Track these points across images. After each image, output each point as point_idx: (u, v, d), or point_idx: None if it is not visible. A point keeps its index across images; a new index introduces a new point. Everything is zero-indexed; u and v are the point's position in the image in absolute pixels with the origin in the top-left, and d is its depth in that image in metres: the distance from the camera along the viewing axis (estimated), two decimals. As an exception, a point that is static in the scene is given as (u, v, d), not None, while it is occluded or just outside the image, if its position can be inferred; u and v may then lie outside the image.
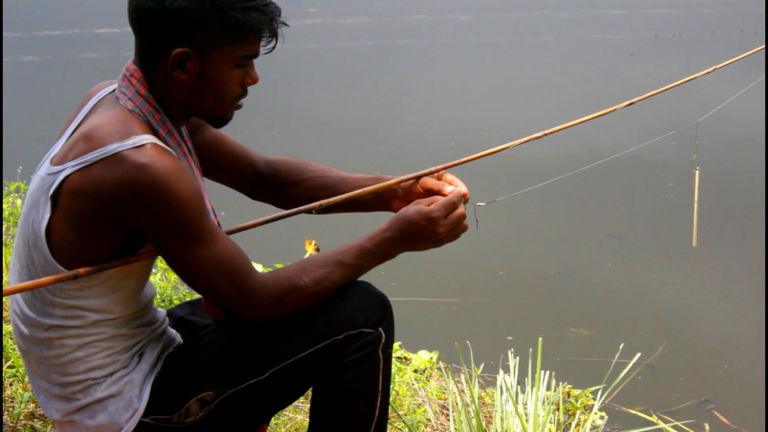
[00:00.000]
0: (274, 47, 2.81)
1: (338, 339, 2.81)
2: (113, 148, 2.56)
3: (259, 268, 4.96)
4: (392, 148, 9.18)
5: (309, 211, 3.03)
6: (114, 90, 2.75)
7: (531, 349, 4.13)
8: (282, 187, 3.21)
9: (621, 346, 4.78)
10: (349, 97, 10.92)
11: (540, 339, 4.15)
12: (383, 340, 2.86)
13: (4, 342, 4.65)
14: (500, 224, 7.24)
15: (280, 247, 6.19)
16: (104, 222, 2.62)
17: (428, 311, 5.73)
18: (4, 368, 4.49)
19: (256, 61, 2.82)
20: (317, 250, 4.96)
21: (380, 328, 2.86)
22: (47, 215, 2.64)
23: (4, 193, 6.36)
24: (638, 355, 4.73)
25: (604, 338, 5.41)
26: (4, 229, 6.07)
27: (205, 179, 3.05)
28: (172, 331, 3.02)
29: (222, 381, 2.82)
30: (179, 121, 2.83)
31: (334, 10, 15.13)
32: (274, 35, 2.79)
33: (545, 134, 3.65)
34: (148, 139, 2.60)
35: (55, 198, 2.63)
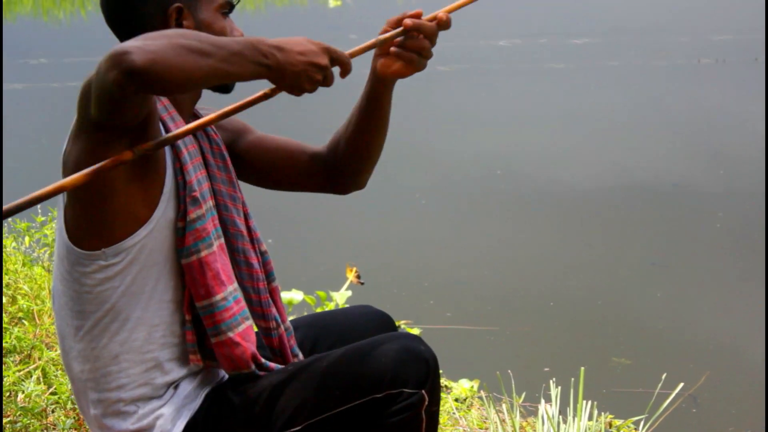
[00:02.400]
0: None
1: (378, 397, 2.75)
2: None
3: (299, 295, 4.99)
4: (437, 174, 9.19)
5: None
6: None
7: (573, 379, 4.13)
8: (336, 148, 3.12)
9: (663, 377, 4.77)
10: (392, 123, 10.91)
11: (582, 368, 4.15)
12: (426, 402, 2.78)
13: (47, 368, 4.67)
14: (541, 252, 7.25)
15: (323, 273, 6.21)
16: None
17: (469, 339, 5.73)
18: (46, 395, 4.52)
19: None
20: (358, 277, 4.98)
21: (423, 391, 2.78)
22: (63, 203, 2.70)
23: (48, 219, 6.44)
24: (681, 385, 4.72)
25: (647, 368, 5.39)
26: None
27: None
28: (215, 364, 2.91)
29: (257, 428, 2.80)
30: (185, 101, 2.86)
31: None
32: None
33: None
34: None
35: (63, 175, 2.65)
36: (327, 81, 2.63)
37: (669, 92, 11.85)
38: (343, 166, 3.12)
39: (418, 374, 2.76)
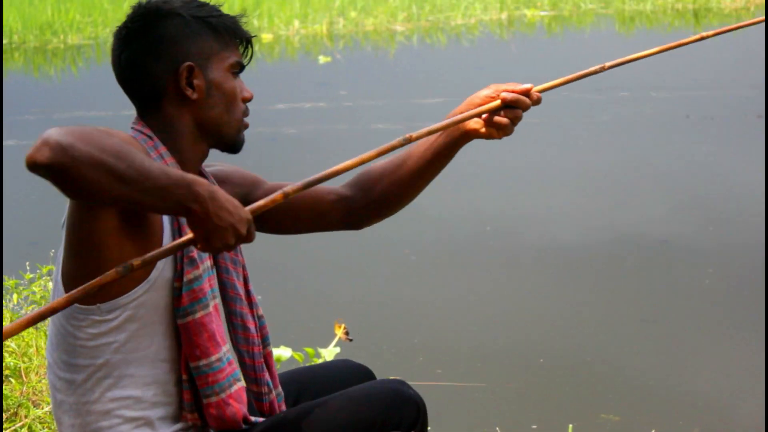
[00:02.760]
0: (251, 57, 2.96)
1: None
2: None
3: (288, 351, 5.01)
4: (426, 230, 9.21)
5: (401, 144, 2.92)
6: None
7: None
8: (370, 191, 3.13)
9: (653, 433, 4.80)
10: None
11: (570, 426, 4.17)
12: None
13: (34, 426, 4.67)
14: (531, 309, 7.26)
15: (311, 330, 6.22)
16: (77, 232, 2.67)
17: (458, 395, 5.74)
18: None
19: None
20: (347, 333, 5.01)
21: None
22: (60, 255, 2.73)
23: (36, 276, 6.43)
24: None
25: (636, 425, 5.39)
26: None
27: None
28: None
29: None
30: (191, 160, 2.88)
31: (362, 93, 15.19)
32: (248, 41, 2.92)
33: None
34: None
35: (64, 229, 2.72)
36: (231, 248, 2.57)
37: (657, 148, 11.89)
38: (377, 206, 3.20)
39: (409, 417, 2.86)
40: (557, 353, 6.48)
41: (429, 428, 3.07)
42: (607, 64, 3.50)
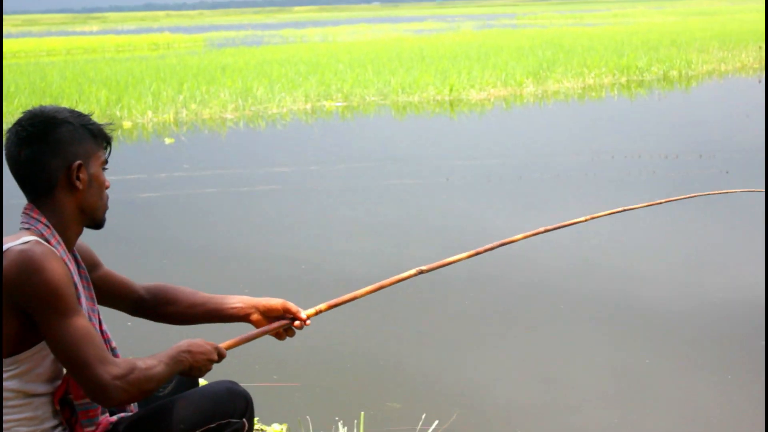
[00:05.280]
0: (110, 153, 3.06)
1: (211, 427, 2.92)
2: (7, 246, 2.69)
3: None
4: (258, 273, 9.15)
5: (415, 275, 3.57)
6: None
7: (355, 420, 4.17)
8: (162, 306, 3.32)
9: (423, 416, 4.84)
10: (218, 230, 10.89)
11: (362, 413, 4.20)
12: (246, 428, 3.00)
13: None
14: (328, 324, 7.25)
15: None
16: (5, 307, 2.68)
17: (279, 393, 5.72)
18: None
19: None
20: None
21: (244, 419, 3.00)
22: None
23: None
24: (436, 422, 4.80)
25: (412, 410, 5.41)
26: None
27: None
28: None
29: None
30: (71, 239, 2.93)
31: (201, 166, 15.08)
32: (110, 144, 3.03)
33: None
34: (33, 238, 2.73)
35: None
36: (215, 362, 3.03)
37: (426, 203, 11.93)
38: (160, 317, 3.37)
39: (240, 407, 3.00)
40: (351, 355, 6.47)
41: (256, 418, 3.11)
42: (424, 267, 3.71)
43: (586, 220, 3.99)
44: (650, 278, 8.11)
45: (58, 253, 2.77)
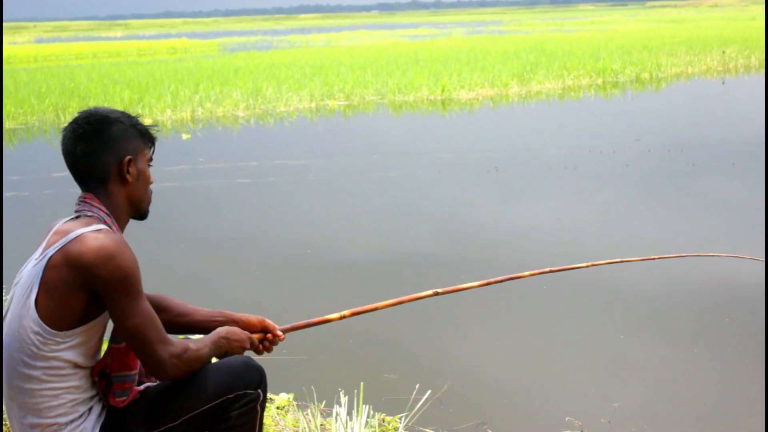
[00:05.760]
0: (153, 153, 3.12)
1: (230, 397, 2.96)
2: (79, 232, 2.76)
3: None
4: (266, 256, 9.13)
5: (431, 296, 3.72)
6: (71, 217, 2.92)
7: (355, 390, 4.17)
8: (156, 312, 3.32)
9: (417, 386, 4.84)
10: (231, 217, 10.87)
11: (361, 383, 4.19)
12: (260, 398, 3.04)
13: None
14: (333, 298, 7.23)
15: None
16: (74, 286, 2.73)
17: (287, 365, 5.71)
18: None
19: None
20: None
21: (259, 390, 3.04)
22: (35, 290, 2.74)
23: None
24: (429, 392, 4.80)
25: (407, 381, 5.41)
26: None
27: None
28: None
29: (149, 425, 2.89)
30: (123, 224, 3.01)
31: (215, 159, 15.04)
32: (154, 143, 3.12)
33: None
34: (103, 227, 2.82)
35: (41, 276, 2.74)
36: (248, 349, 3.22)
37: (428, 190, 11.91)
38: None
39: (256, 379, 3.04)
40: (351, 331, 6.47)
41: (268, 388, 3.12)
42: (440, 290, 3.76)
43: (587, 266, 4.05)
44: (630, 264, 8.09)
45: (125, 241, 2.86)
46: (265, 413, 4.35)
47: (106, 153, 2.91)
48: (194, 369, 2.92)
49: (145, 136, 3.04)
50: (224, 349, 3.08)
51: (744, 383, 5.62)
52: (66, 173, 2.99)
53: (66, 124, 3.00)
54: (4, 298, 5.89)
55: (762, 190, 11.04)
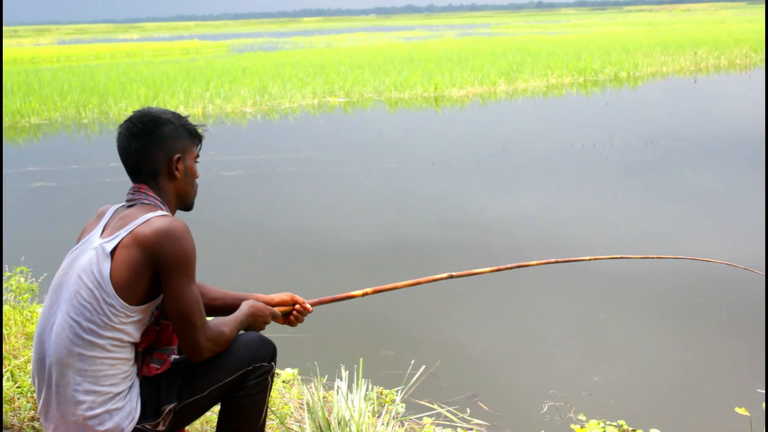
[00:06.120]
0: (200, 150, 3.15)
1: (248, 369, 3.05)
2: (147, 216, 2.85)
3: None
4: (273, 240, 9.13)
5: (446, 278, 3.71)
6: (122, 204, 3.00)
7: (355, 365, 4.17)
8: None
9: (412, 362, 4.85)
10: (240, 205, 10.87)
11: (361, 359, 4.20)
12: (273, 371, 3.12)
13: (14, 371, 4.55)
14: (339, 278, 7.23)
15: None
16: (143, 264, 2.80)
17: (293, 342, 5.71)
18: (13, 388, 4.40)
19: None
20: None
21: (272, 362, 3.11)
22: (108, 266, 2.79)
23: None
24: (423, 367, 4.81)
25: (403, 357, 5.42)
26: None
27: None
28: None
29: (181, 396, 2.97)
30: (173, 212, 3.06)
31: (224, 152, 15.04)
32: (201, 141, 3.15)
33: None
34: (167, 214, 2.92)
35: (113, 254, 2.80)
36: (268, 324, 3.30)
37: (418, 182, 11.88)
38: None
39: (269, 353, 3.11)
40: (353, 312, 6.47)
41: (277, 361, 3.14)
42: (455, 273, 3.74)
43: (589, 260, 4.08)
44: (609, 246, 8.11)
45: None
46: (274, 386, 4.36)
47: (157, 151, 2.96)
48: (223, 350, 2.99)
49: (194, 135, 3.08)
50: (249, 324, 3.16)
51: (712, 357, 5.65)
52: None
53: (121, 122, 3.04)
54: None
55: (732, 180, 11.09)
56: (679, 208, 9.78)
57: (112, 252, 2.80)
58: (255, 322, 3.18)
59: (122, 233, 2.82)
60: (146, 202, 2.94)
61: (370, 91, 23.92)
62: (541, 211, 9.85)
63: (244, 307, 3.18)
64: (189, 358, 2.95)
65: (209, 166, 13.33)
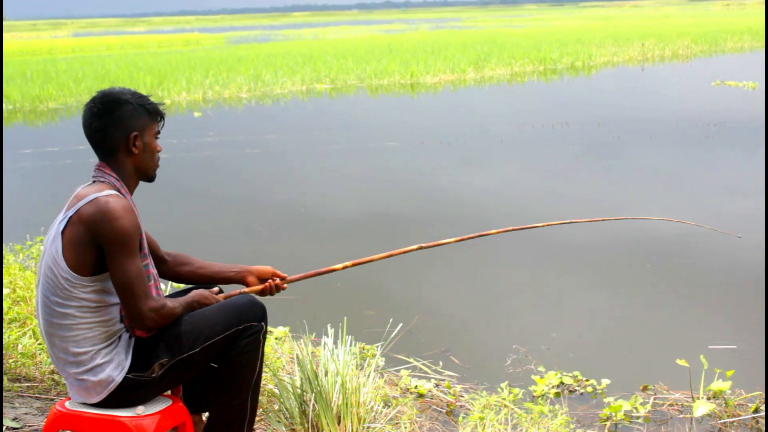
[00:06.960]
0: (163, 125, 3.07)
1: (239, 328, 2.98)
2: (93, 196, 2.78)
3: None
4: (266, 214, 9.12)
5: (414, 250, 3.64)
6: (88, 183, 2.92)
7: (340, 324, 4.17)
8: (179, 266, 3.31)
9: (390, 320, 4.85)
10: (236, 182, 10.85)
11: (345, 318, 4.19)
12: (263, 330, 3.05)
13: (36, 329, 4.53)
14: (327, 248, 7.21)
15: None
16: (87, 241, 2.76)
17: (284, 304, 5.70)
18: (35, 345, 4.39)
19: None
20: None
21: (262, 322, 3.04)
22: (60, 244, 2.78)
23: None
24: (401, 324, 4.81)
25: (383, 315, 5.41)
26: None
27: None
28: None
29: (173, 352, 2.92)
30: (132, 189, 2.98)
31: (223, 134, 14.96)
32: (163, 118, 3.04)
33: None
34: (113, 192, 2.82)
35: (63, 232, 2.78)
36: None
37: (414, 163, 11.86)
38: (173, 277, 3.32)
39: (259, 314, 3.04)
40: (337, 275, 6.46)
41: (269, 323, 3.11)
42: (423, 245, 3.66)
43: (543, 226, 4.03)
44: (566, 215, 8.14)
45: (132, 206, 2.85)
46: (267, 343, 4.36)
47: (115, 129, 2.90)
48: (167, 323, 2.91)
49: (153, 113, 3.00)
50: (195, 308, 3.03)
51: (659, 317, 5.68)
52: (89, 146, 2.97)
53: (86, 102, 3.00)
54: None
55: (676, 156, 11.16)
56: (628, 180, 9.84)
57: (63, 230, 2.79)
58: (200, 306, 3.04)
59: (71, 212, 2.79)
60: (102, 180, 2.90)
61: (353, 79, 23.81)
62: (505, 186, 9.88)
63: (192, 294, 3.07)
64: (134, 327, 2.90)
65: (208, 145, 13.28)
